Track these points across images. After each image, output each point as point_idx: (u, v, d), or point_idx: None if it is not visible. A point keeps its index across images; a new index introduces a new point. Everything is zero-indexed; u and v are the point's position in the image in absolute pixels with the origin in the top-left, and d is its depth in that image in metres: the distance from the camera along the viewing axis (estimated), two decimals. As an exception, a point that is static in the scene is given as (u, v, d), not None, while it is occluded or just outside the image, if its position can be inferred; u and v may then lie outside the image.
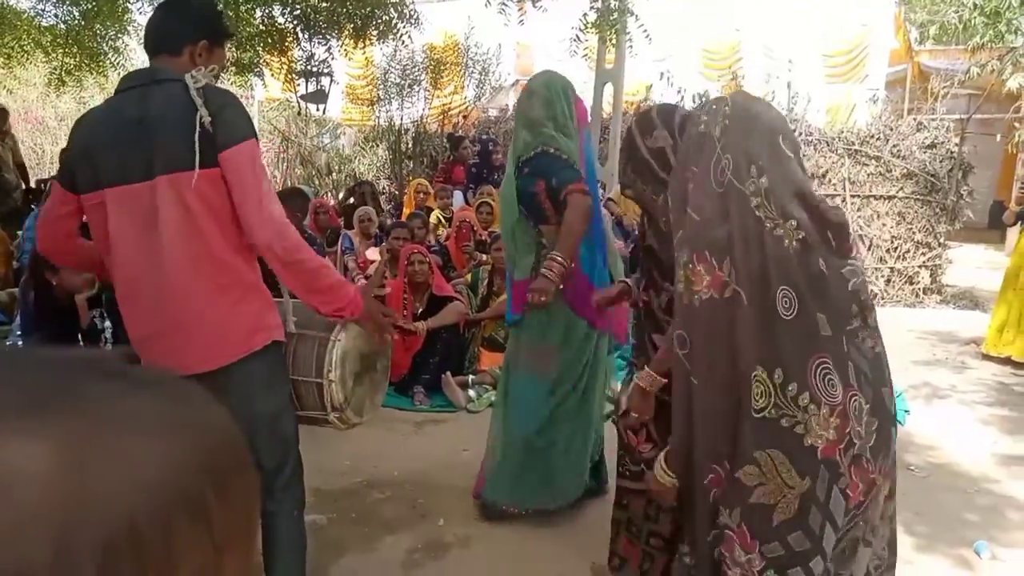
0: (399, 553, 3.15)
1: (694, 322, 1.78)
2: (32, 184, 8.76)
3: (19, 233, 6.42)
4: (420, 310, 5.45)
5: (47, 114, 14.62)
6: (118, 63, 7.92)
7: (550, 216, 3.24)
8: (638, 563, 2.71)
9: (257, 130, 2.26)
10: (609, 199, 7.28)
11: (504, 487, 3.41)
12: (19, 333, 4.01)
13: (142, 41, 2.20)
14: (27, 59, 8.56)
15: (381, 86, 11.91)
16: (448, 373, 5.12)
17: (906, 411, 4.93)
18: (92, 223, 2.12)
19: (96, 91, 10.75)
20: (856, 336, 1.77)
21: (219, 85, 2.14)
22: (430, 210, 8.05)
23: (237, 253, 2.09)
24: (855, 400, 1.73)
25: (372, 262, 6.56)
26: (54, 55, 8.04)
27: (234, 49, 7.53)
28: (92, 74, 8.22)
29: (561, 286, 3.16)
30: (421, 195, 8.51)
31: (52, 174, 9.47)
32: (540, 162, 3.22)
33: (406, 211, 8.18)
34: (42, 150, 14.25)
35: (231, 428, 0.43)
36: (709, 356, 1.78)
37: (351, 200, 8.99)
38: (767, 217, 1.71)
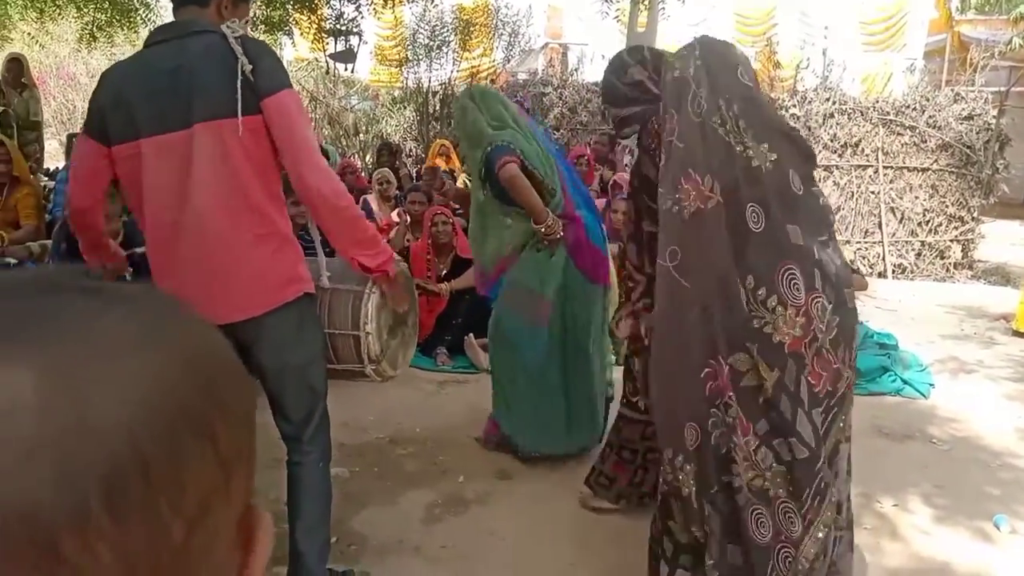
0: (419, 508, 3.20)
1: (685, 234, 2.01)
2: (64, 139, 8.80)
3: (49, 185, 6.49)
4: (444, 271, 5.48)
5: (78, 70, 14.70)
6: (148, 19, 7.93)
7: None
8: (628, 479, 3.04)
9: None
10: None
11: (516, 427, 3.57)
12: None
13: None
14: (59, 14, 8.59)
15: (410, 47, 11.84)
16: (471, 335, 5.14)
17: (931, 384, 4.89)
18: (124, 174, 2.11)
19: (127, 47, 10.78)
20: (827, 246, 2.04)
21: None
22: (451, 172, 8.01)
23: (273, 203, 2.10)
24: (817, 301, 1.99)
25: (396, 224, 6.57)
26: (85, 10, 8.06)
27: (264, 7, 7.51)
28: (123, 29, 8.25)
29: (560, 233, 3.38)
30: (443, 157, 8.47)
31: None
32: (491, 160, 3.33)
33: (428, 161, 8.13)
34: (73, 106, 14.34)
35: (220, 340, 0.40)
36: (700, 262, 2.01)
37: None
38: (737, 142, 1.97)
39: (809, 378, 1.99)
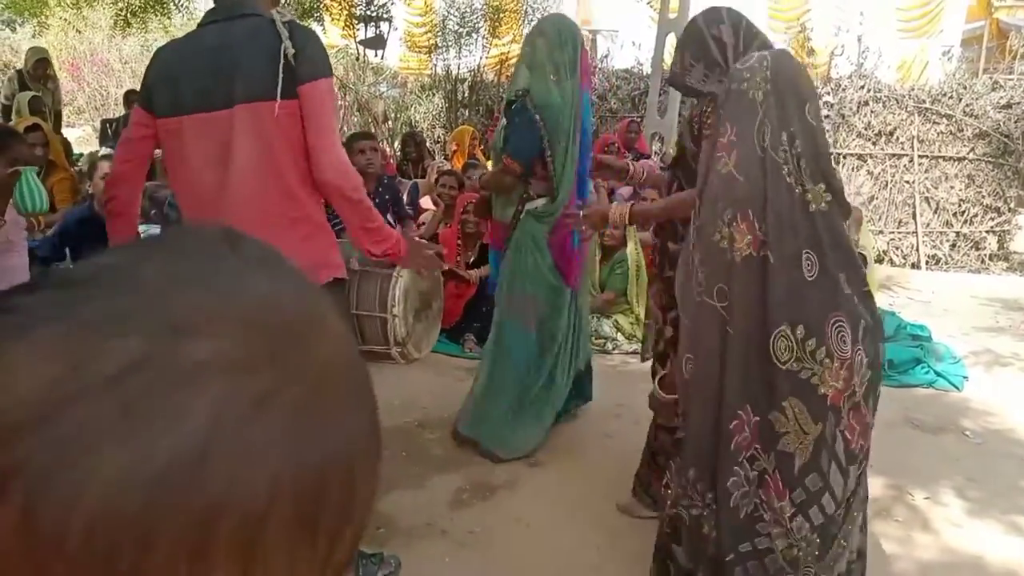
0: (447, 492, 3.22)
1: (735, 276, 1.95)
2: (98, 124, 8.89)
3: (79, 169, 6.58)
4: (472, 259, 5.48)
5: (112, 56, 14.88)
6: (181, 5, 8.00)
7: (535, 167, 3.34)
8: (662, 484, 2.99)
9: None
10: (668, 152, 7.18)
11: (487, 430, 3.55)
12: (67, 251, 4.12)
13: None
14: (94, 0, 8.68)
15: (439, 33, 11.84)
16: (499, 322, 5.14)
17: (964, 377, 4.83)
18: (166, 149, 2.17)
19: (160, 33, 10.90)
20: (867, 297, 1.99)
21: None
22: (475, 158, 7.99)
23: (307, 188, 2.12)
24: (859, 354, 1.94)
25: (426, 210, 6.57)
26: (120, -4, 8.14)
27: (296, -8, 7.54)
28: (156, 16, 8.33)
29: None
30: (455, 144, 8.44)
31: (116, 115, 9.67)
32: (519, 114, 3.25)
33: (453, 161, 8.14)
34: (107, 92, 14.53)
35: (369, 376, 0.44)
36: (744, 308, 1.95)
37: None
38: (796, 183, 1.90)
39: (846, 432, 1.95)
